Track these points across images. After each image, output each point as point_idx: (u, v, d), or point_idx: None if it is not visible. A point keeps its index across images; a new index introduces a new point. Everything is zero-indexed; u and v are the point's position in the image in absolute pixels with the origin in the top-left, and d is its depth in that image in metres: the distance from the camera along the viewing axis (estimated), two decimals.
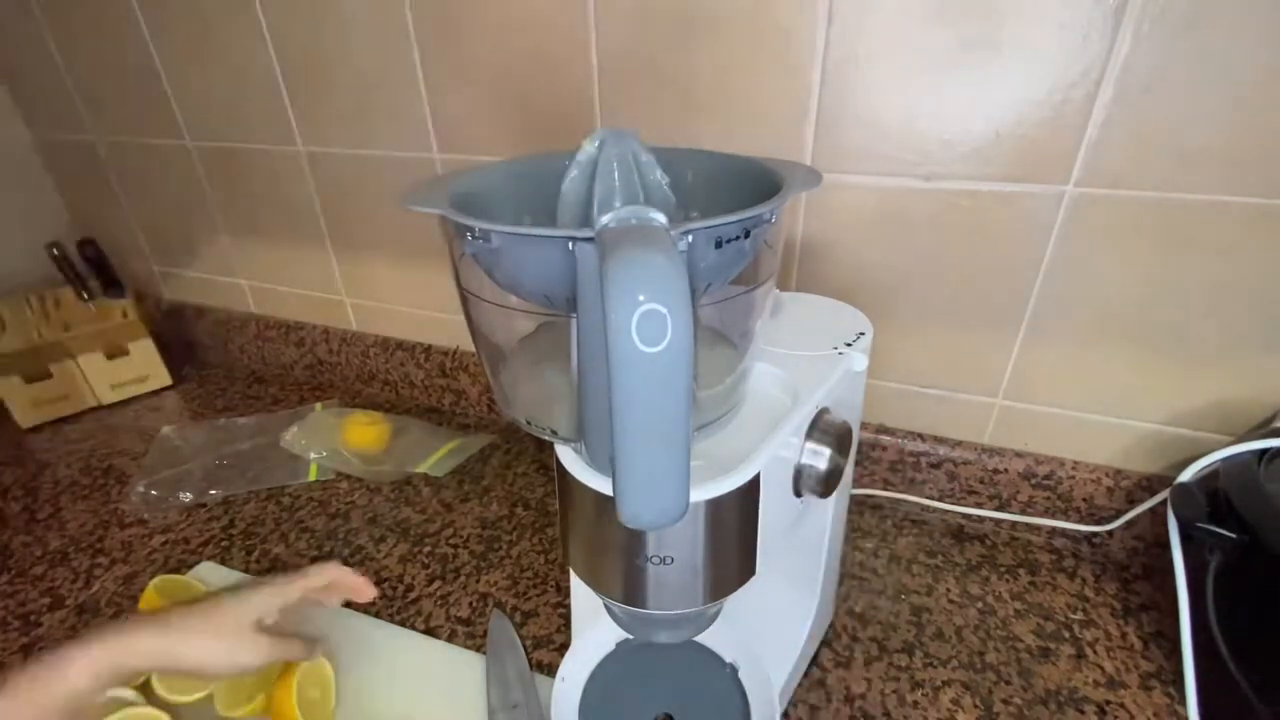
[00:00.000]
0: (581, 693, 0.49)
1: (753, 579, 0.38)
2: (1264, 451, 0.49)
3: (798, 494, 0.41)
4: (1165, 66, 0.47)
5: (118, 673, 0.40)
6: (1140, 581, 0.61)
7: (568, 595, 0.59)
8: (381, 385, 0.95)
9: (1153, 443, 0.61)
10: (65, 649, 0.39)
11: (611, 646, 0.51)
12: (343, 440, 0.80)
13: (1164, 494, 0.56)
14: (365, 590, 0.53)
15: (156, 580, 0.59)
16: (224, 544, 0.69)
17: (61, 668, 0.38)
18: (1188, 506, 0.49)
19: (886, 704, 0.51)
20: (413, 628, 0.58)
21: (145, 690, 0.51)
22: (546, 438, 0.36)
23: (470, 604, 0.61)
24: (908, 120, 0.55)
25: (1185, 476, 0.52)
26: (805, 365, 0.44)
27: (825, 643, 0.56)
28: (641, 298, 0.24)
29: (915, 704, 0.51)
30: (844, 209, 0.60)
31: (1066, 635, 0.56)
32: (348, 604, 0.60)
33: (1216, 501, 0.48)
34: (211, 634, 0.43)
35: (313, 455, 0.79)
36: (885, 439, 0.69)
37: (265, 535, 0.70)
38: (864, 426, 0.70)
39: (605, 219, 0.30)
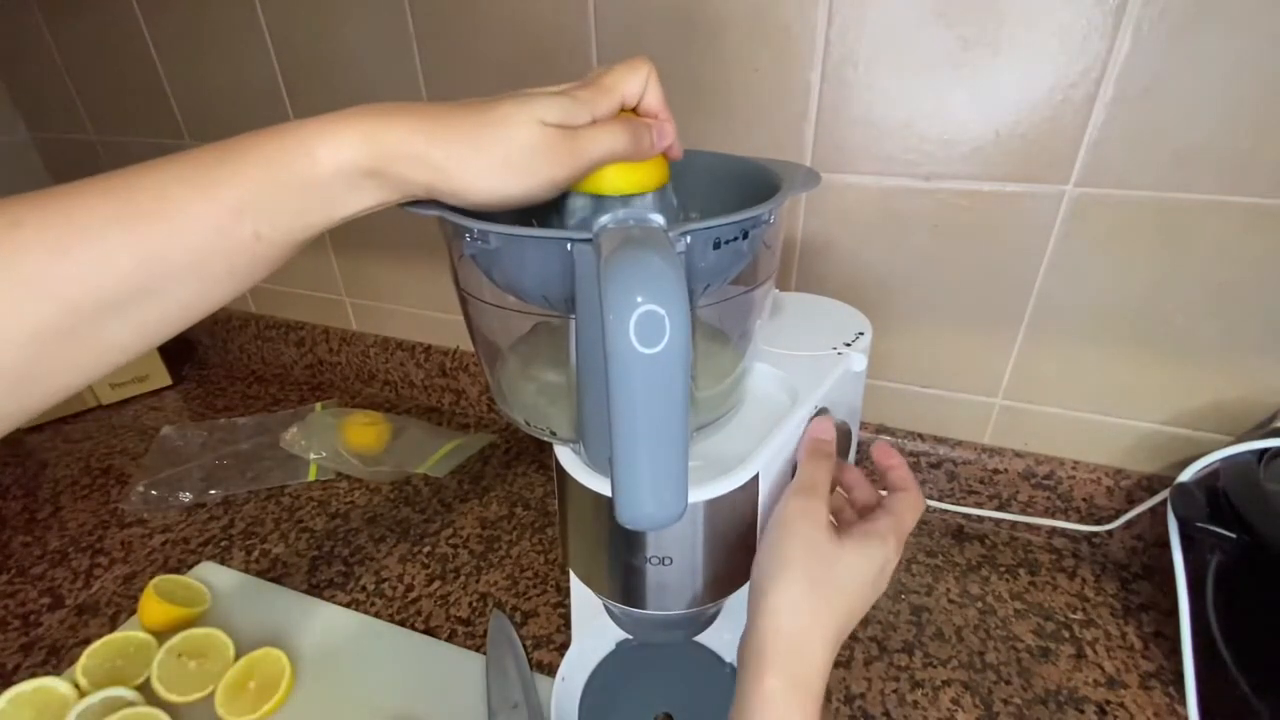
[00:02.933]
0: (581, 693, 0.49)
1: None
2: (1264, 451, 0.49)
3: None
4: (1165, 66, 0.47)
5: (374, 169, 0.28)
6: (1140, 581, 0.61)
7: (568, 595, 0.59)
8: (381, 385, 0.95)
9: (1153, 443, 0.61)
10: (308, 122, 0.28)
11: (611, 646, 0.51)
12: (342, 440, 0.80)
13: (1164, 494, 0.56)
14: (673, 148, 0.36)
15: (156, 580, 0.59)
16: (224, 544, 0.69)
17: (308, 143, 0.28)
18: (1188, 506, 0.48)
19: (886, 704, 0.51)
20: (412, 628, 0.58)
21: (145, 690, 0.51)
22: (545, 438, 0.36)
23: (470, 604, 0.61)
24: (908, 120, 0.55)
25: (1185, 476, 0.52)
26: (804, 365, 0.44)
27: None
28: (639, 299, 0.24)
29: (915, 704, 0.51)
30: (844, 209, 0.60)
31: (1066, 635, 0.56)
32: (348, 602, 0.60)
33: (1216, 501, 0.48)
34: (488, 151, 0.29)
35: (312, 456, 0.79)
36: (885, 439, 0.69)
37: (265, 535, 0.70)
38: (864, 426, 0.70)
39: (603, 220, 0.30)
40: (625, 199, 0.33)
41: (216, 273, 0.28)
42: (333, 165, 0.28)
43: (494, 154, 0.29)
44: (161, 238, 0.26)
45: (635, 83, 0.33)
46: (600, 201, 0.33)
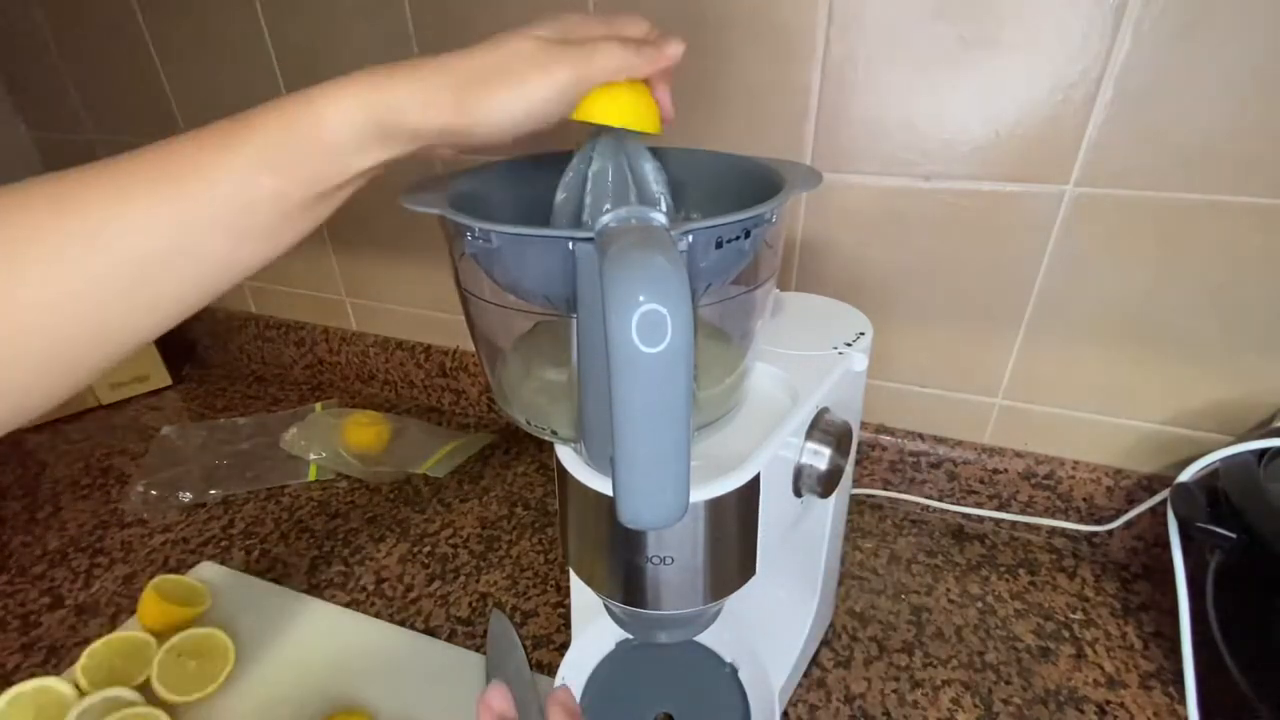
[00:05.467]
0: (581, 693, 0.49)
1: (753, 579, 0.38)
2: (1264, 451, 0.49)
3: (798, 494, 0.41)
4: (1165, 66, 0.47)
5: (380, 125, 0.30)
6: (1140, 581, 0.61)
7: (568, 595, 0.59)
8: (381, 385, 0.95)
9: (1153, 443, 0.61)
10: (314, 88, 0.29)
11: (611, 646, 0.51)
12: (342, 441, 0.80)
13: (1164, 494, 0.56)
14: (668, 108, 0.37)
15: (156, 580, 0.59)
16: (224, 544, 0.69)
17: (315, 104, 0.29)
18: (1188, 506, 0.48)
19: (886, 704, 0.51)
20: (412, 628, 0.58)
21: (145, 690, 0.51)
22: (546, 438, 0.36)
23: (470, 604, 0.61)
24: (908, 120, 0.55)
25: (1185, 476, 0.52)
26: (805, 365, 0.44)
27: (825, 642, 0.56)
28: (641, 298, 0.24)
29: (915, 704, 0.51)
30: (844, 209, 0.60)
31: (1066, 635, 0.56)
32: (348, 602, 0.60)
33: (1216, 501, 0.48)
34: (488, 76, 0.31)
35: (312, 456, 0.79)
36: (885, 439, 0.69)
37: (265, 535, 0.70)
38: (864, 426, 0.70)
39: (605, 219, 0.30)
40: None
41: (245, 229, 0.30)
42: (339, 125, 0.30)
43: (495, 76, 0.31)
44: (194, 196, 0.29)
45: (633, 24, 0.35)
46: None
